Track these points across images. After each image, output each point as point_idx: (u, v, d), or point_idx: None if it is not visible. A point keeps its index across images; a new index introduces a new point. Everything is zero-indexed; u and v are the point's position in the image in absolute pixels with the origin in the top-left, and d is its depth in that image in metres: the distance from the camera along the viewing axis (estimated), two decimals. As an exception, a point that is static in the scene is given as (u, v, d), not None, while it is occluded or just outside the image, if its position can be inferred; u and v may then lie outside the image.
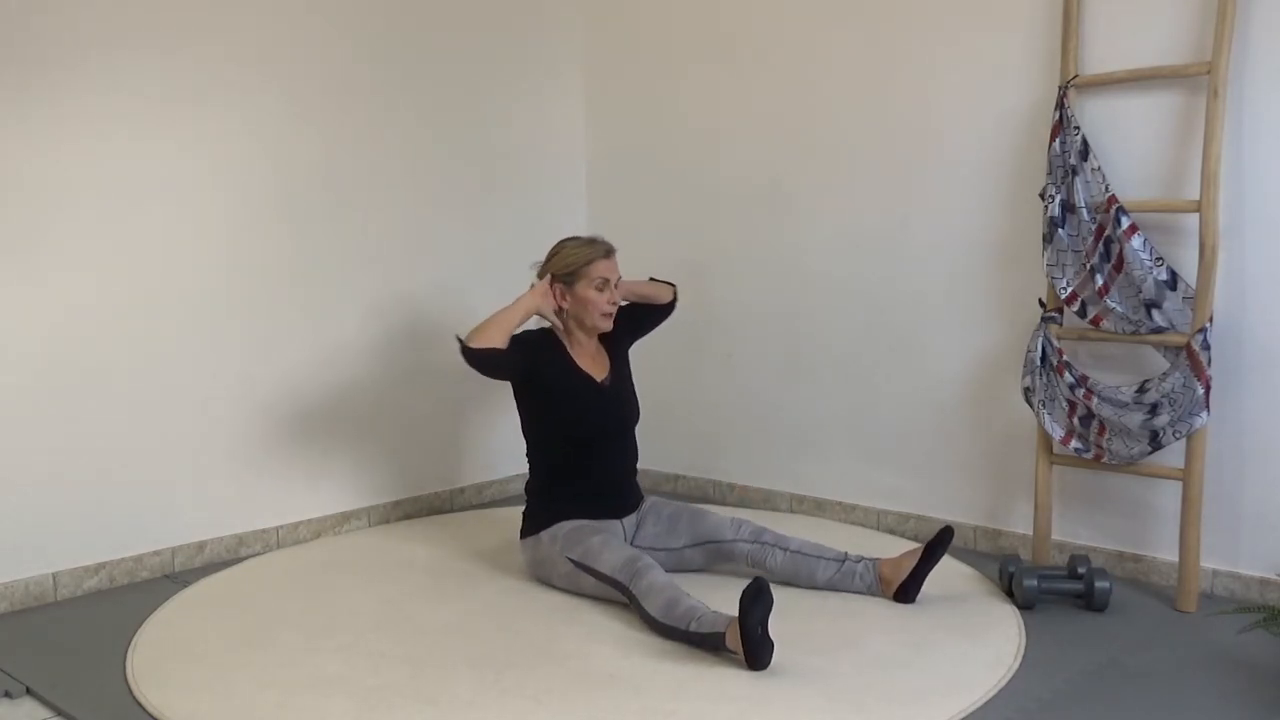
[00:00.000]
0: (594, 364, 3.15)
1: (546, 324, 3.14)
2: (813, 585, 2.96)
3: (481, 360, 2.91)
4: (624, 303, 3.22)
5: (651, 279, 3.40)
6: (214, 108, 3.33)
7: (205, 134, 3.32)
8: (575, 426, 3.08)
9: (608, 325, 3.12)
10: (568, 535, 2.98)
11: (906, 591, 2.88)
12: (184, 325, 3.30)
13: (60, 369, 3.06)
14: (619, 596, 2.81)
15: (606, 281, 3.07)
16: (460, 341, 2.93)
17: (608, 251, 3.10)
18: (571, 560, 2.92)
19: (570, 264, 3.07)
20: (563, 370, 3.08)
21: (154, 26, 3.19)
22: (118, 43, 3.12)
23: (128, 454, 3.20)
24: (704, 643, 2.54)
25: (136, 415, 3.21)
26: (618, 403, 3.16)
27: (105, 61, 3.10)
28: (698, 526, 3.08)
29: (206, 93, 3.31)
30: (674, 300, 3.39)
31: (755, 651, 2.43)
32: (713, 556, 3.06)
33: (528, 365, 3.04)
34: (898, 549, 3.14)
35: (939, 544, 2.87)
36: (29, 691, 2.47)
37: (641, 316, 3.34)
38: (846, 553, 3.00)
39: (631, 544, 3.06)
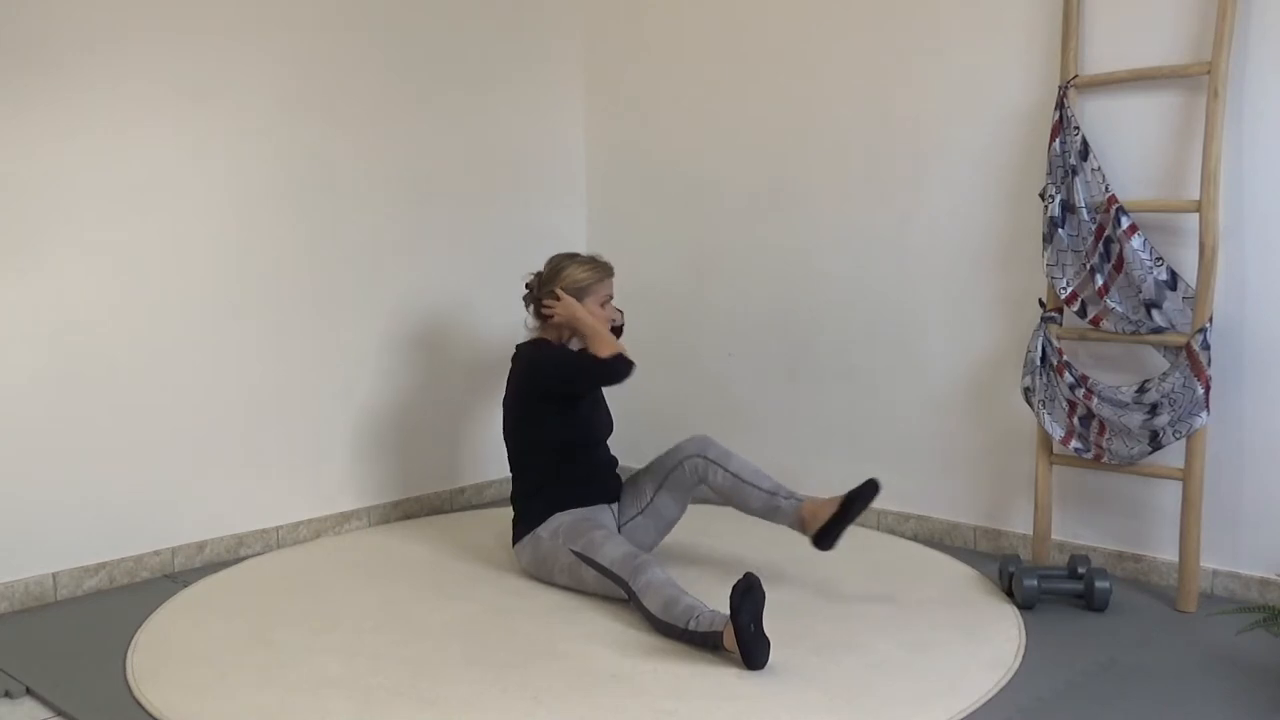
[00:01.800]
0: None
1: (537, 334, 3.23)
2: (746, 511, 3.02)
3: (630, 374, 3.07)
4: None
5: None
6: (215, 110, 3.33)
7: (205, 136, 3.31)
8: (591, 428, 3.20)
9: None
10: (568, 529, 3.00)
11: (823, 539, 2.89)
12: (184, 325, 3.30)
13: (61, 369, 3.06)
14: (619, 592, 2.81)
15: (609, 298, 3.22)
16: (623, 361, 3.03)
17: (609, 269, 3.24)
18: (574, 552, 2.94)
19: (584, 280, 3.17)
20: None
21: (155, 27, 3.19)
22: (119, 42, 3.12)
23: (128, 454, 3.20)
24: (702, 642, 2.54)
25: (137, 415, 3.21)
26: (605, 404, 3.31)
27: (106, 61, 3.10)
28: (654, 469, 3.16)
29: (208, 95, 3.31)
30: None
31: (751, 650, 2.44)
32: (675, 488, 3.11)
33: None
34: (896, 549, 3.15)
35: (859, 496, 2.85)
36: (29, 691, 2.47)
37: None
38: (779, 486, 3.01)
39: (620, 526, 3.14)
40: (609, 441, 3.32)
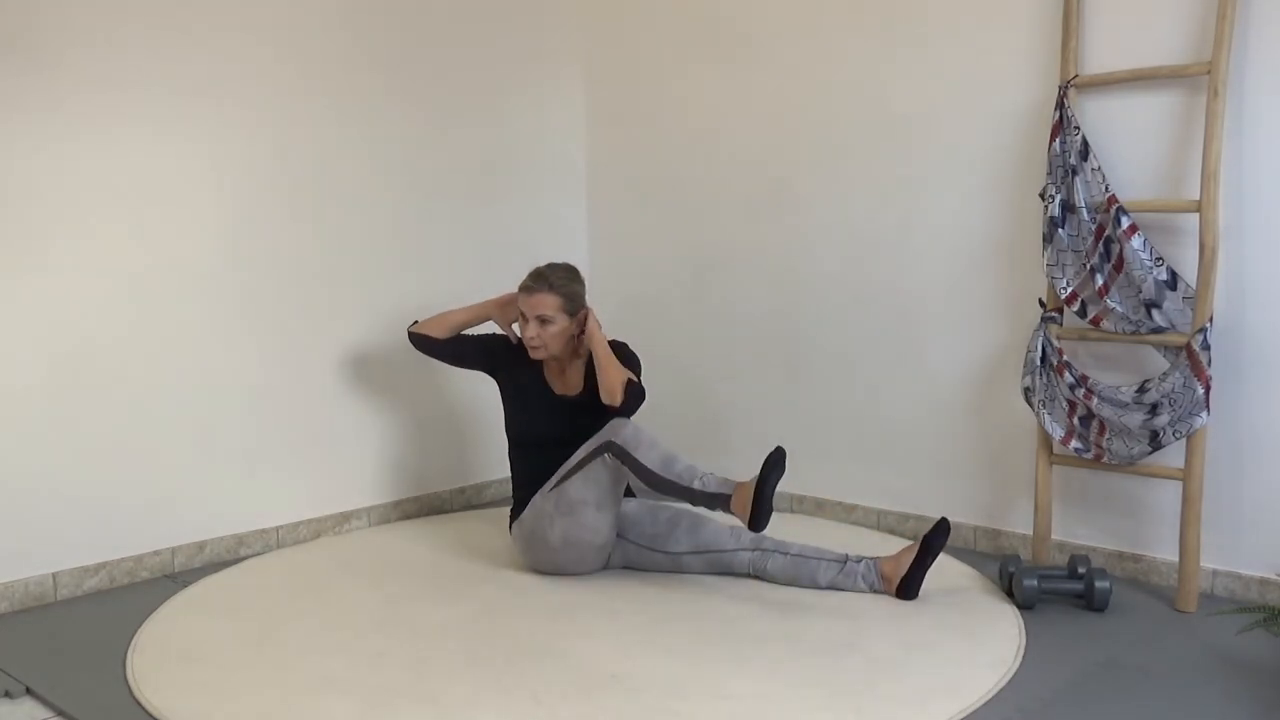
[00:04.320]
0: (562, 379, 3.24)
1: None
2: (814, 587, 2.97)
3: (415, 344, 3.34)
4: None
5: (636, 374, 3.10)
6: (215, 110, 3.33)
7: (204, 136, 3.31)
8: (523, 430, 3.22)
9: (534, 356, 3.18)
10: (542, 489, 3.06)
11: (908, 587, 2.89)
12: (184, 325, 3.30)
13: (61, 368, 3.06)
14: (611, 466, 2.85)
15: (522, 314, 3.17)
16: (413, 324, 3.34)
17: (529, 287, 3.15)
18: (553, 487, 2.98)
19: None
20: (524, 375, 3.25)
21: (155, 27, 3.19)
22: (119, 43, 3.12)
23: (128, 454, 3.20)
24: (706, 501, 2.65)
25: (136, 415, 3.21)
26: (575, 415, 3.15)
27: (107, 62, 3.10)
28: (697, 534, 3.08)
29: (207, 95, 3.31)
30: (612, 406, 3.01)
31: (761, 512, 2.60)
32: (712, 565, 3.06)
33: (494, 364, 3.30)
34: (897, 549, 3.15)
35: (935, 536, 2.88)
36: (29, 691, 2.47)
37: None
38: (847, 554, 3.00)
39: (626, 539, 3.12)
40: None
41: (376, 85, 3.72)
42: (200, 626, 2.81)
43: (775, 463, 2.66)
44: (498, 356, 3.31)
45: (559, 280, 3.15)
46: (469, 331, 3.37)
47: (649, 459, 2.67)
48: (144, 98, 3.18)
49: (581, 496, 2.93)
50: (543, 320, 3.12)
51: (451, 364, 3.39)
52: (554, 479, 3.01)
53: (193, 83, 3.28)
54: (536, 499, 3.07)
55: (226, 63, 3.34)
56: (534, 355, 3.18)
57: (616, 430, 2.76)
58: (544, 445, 3.14)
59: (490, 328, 3.42)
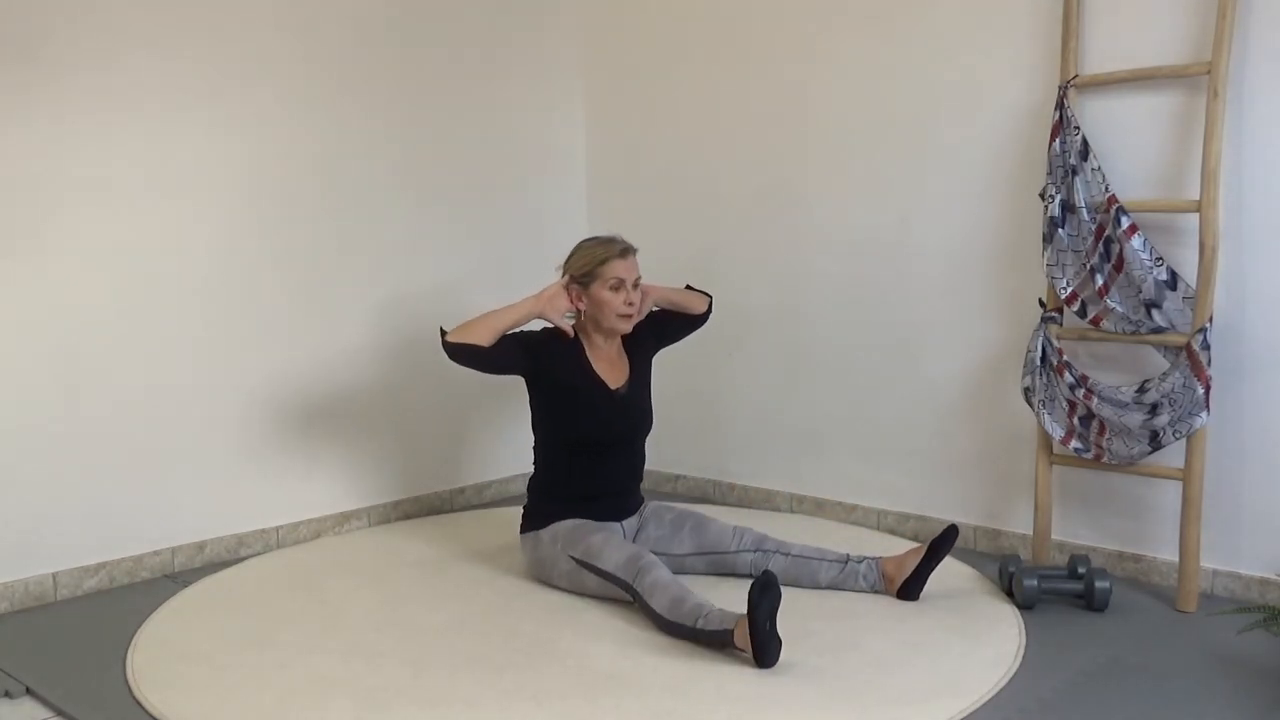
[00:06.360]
0: (611, 369, 3.12)
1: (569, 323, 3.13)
2: (815, 587, 2.96)
3: (458, 355, 2.90)
4: (655, 308, 3.24)
5: (688, 287, 3.34)
6: (215, 109, 3.33)
7: (205, 134, 3.32)
8: (581, 430, 3.06)
9: (626, 326, 3.07)
10: (568, 534, 2.98)
11: (910, 589, 2.88)
12: (184, 325, 3.31)
13: (61, 368, 3.06)
14: (623, 595, 2.80)
15: (622, 282, 3.00)
16: (442, 332, 2.93)
17: (624, 251, 3.04)
18: (574, 559, 2.92)
19: (585, 264, 3.03)
20: (576, 372, 3.06)
21: (155, 27, 3.19)
22: (120, 43, 3.12)
23: (128, 454, 3.20)
24: (711, 640, 2.53)
25: (136, 415, 3.22)
26: (630, 410, 3.13)
27: (107, 61, 3.10)
28: (701, 536, 3.07)
29: (208, 94, 3.31)
30: (708, 311, 3.36)
31: (764, 648, 2.42)
32: (715, 565, 3.06)
33: (535, 364, 3.03)
34: (897, 549, 3.15)
35: (943, 542, 2.87)
36: (29, 691, 2.47)
37: (670, 324, 3.30)
38: (848, 554, 3.00)
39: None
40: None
41: (377, 86, 3.72)
42: (200, 626, 2.81)
43: (764, 587, 2.41)
44: (539, 354, 3.03)
45: None
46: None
47: (659, 604, 2.63)
48: (143, 99, 3.18)
49: (594, 592, 2.90)
50: (636, 284, 3.05)
51: (493, 372, 3.02)
52: (578, 551, 2.91)
53: (192, 83, 3.28)
54: (556, 545, 2.97)
55: (229, 64, 3.35)
56: (626, 327, 3.05)
57: (642, 575, 2.71)
58: (603, 446, 3.07)
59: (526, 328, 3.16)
